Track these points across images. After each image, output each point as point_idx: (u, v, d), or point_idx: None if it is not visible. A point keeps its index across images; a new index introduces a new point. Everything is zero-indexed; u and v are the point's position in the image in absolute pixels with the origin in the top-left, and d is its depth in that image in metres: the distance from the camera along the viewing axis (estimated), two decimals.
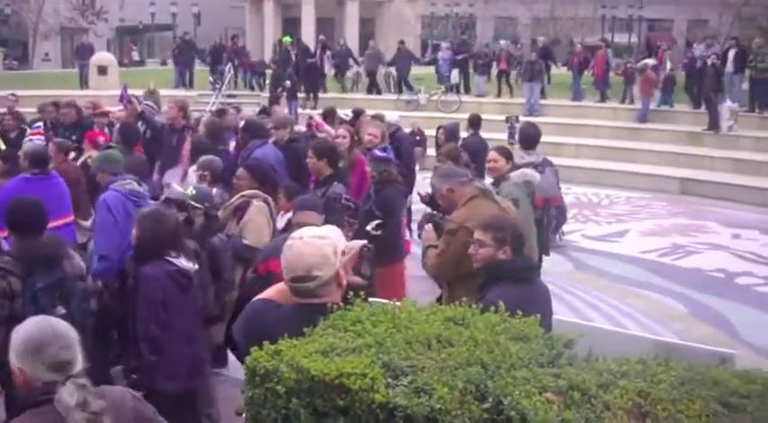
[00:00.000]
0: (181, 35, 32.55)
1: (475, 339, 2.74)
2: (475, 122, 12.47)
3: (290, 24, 49.25)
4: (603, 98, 23.78)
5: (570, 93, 24.56)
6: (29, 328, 2.87)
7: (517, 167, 7.56)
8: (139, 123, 10.62)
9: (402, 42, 28.84)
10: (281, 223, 6.78)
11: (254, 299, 3.43)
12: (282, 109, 16.98)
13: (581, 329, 2.98)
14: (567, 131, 21.31)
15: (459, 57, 26.67)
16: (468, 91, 25.69)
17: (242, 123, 10.18)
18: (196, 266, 5.14)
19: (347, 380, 2.50)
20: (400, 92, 25.90)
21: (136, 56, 48.25)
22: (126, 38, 56.29)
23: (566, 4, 43.39)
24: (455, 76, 25.93)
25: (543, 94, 23.87)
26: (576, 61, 24.41)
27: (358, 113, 12.21)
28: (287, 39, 27.84)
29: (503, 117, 20.16)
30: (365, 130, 9.58)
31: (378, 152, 7.82)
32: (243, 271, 6.19)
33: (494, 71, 27.11)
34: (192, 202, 5.98)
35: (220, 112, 12.36)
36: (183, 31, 34.26)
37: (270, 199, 6.60)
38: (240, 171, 7.05)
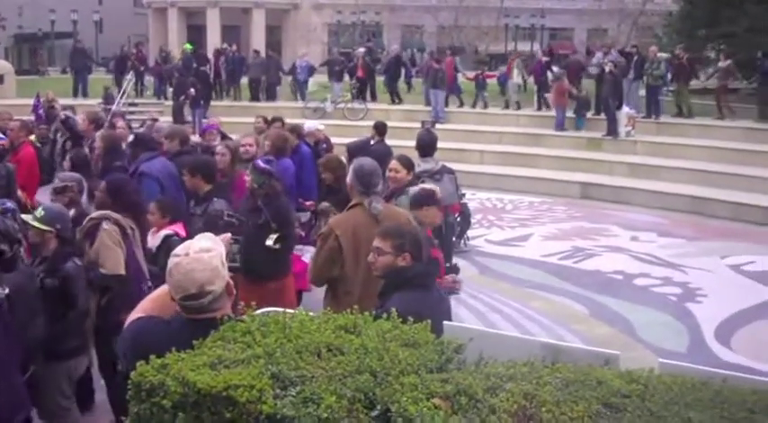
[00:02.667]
0: (75, 42, 31.61)
1: (365, 347, 2.73)
2: (381, 129, 12.50)
3: (195, 32, 48.70)
4: (472, 103, 24.49)
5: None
6: None
7: (417, 177, 7.52)
8: (59, 134, 10.24)
9: (272, 51, 28.72)
10: (154, 242, 6.45)
11: (135, 317, 3.28)
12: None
13: (472, 334, 3.01)
14: (472, 138, 21.59)
15: (319, 65, 26.90)
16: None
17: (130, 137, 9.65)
18: (6, 292, 4.68)
19: (234, 392, 2.45)
20: (269, 99, 26.07)
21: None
22: (24, 45, 54.67)
23: (470, 14, 44.10)
24: (312, 83, 26.26)
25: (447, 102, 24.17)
26: (427, 68, 24.99)
27: (273, 120, 12.01)
28: (187, 46, 27.44)
29: (408, 124, 20.31)
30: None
31: (260, 162, 7.50)
32: (98, 299, 5.81)
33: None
34: (41, 226, 5.51)
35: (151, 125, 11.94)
36: (82, 39, 33.28)
37: (123, 219, 5.96)
38: (101, 185, 6.48)
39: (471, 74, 25.49)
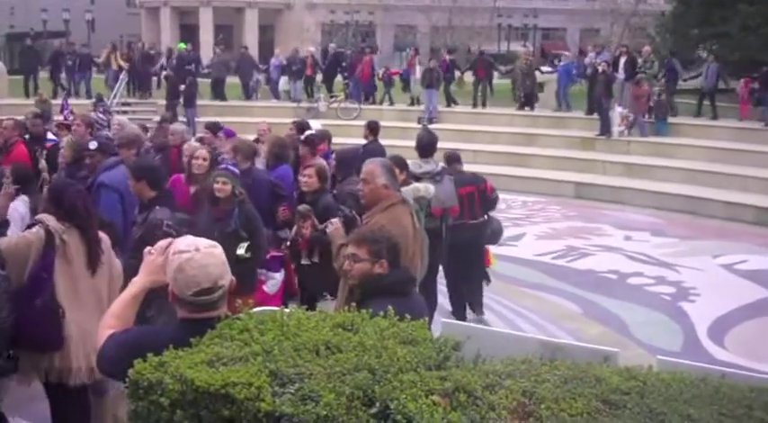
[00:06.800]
0: (26, 42, 31.08)
1: (363, 345, 2.73)
2: (374, 129, 12.45)
3: (188, 31, 48.61)
4: (379, 100, 25.24)
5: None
6: None
7: (414, 177, 7.42)
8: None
9: (245, 48, 28.73)
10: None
11: (114, 332, 3.15)
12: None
13: (470, 332, 3.00)
14: (466, 138, 21.55)
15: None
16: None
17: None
18: None
19: (233, 389, 2.45)
20: (247, 98, 26.26)
21: None
22: (16, 45, 54.43)
23: (463, 14, 44.11)
24: (283, 82, 26.39)
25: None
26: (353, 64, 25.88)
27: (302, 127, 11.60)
28: (181, 46, 27.33)
29: (401, 124, 20.30)
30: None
31: (230, 166, 7.13)
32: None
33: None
34: None
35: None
36: (74, 40, 33.15)
37: (59, 227, 5.17)
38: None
39: (380, 72, 26.24)
